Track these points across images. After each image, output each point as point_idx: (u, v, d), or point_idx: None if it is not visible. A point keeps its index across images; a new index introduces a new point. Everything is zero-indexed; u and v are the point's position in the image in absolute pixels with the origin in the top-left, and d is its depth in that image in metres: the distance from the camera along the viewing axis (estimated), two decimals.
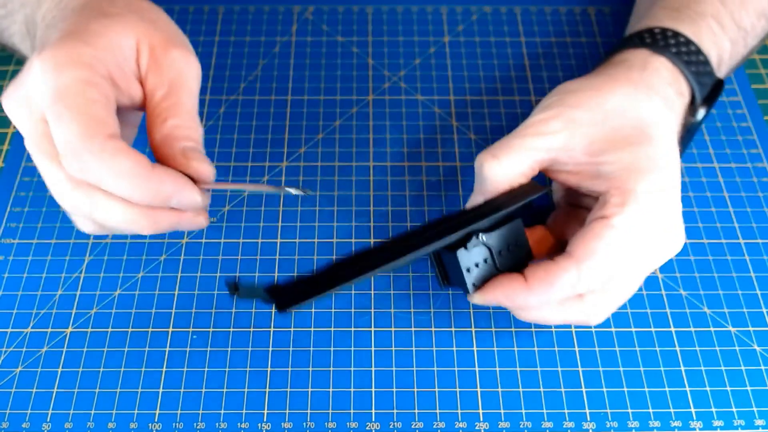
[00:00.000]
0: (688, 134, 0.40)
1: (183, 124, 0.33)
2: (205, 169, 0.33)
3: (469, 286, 0.36)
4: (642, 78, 0.38)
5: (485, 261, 0.36)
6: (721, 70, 0.41)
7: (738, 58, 0.44)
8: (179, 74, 0.34)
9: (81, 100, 0.30)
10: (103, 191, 0.31)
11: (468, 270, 0.36)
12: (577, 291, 0.35)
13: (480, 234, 0.35)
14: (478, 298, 0.36)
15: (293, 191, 0.35)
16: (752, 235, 0.44)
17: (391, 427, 0.37)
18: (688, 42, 0.39)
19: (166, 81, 0.34)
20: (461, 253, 0.35)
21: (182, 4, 0.56)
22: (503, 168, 0.36)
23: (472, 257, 0.35)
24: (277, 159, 0.47)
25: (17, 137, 0.48)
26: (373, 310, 0.41)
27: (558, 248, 0.39)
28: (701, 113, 0.39)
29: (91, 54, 0.32)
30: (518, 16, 0.56)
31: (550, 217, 0.41)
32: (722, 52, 0.41)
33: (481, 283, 0.36)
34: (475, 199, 0.38)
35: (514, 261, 0.37)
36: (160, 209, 0.33)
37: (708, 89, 0.39)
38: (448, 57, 0.53)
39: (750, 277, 0.42)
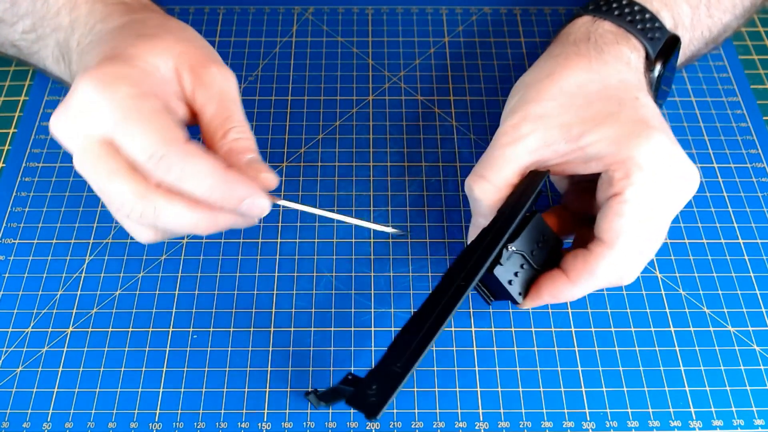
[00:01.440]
0: (655, 91, 0.40)
1: (242, 135, 0.34)
2: (273, 180, 0.34)
3: (516, 296, 0.36)
4: (589, 47, 0.38)
5: (522, 267, 0.36)
6: (680, 33, 0.41)
7: (705, 30, 0.44)
8: (223, 89, 0.35)
9: (148, 111, 0.31)
10: (167, 198, 0.31)
11: (510, 282, 0.36)
12: (619, 272, 0.35)
13: (509, 245, 0.35)
14: (528, 304, 0.37)
15: (384, 228, 0.36)
16: (751, 235, 0.44)
17: (391, 427, 0.37)
18: (632, 3, 0.40)
19: (214, 97, 0.35)
20: (499, 271, 0.35)
21: (183, 4, 0.56)
22: (493, 185, 0.36)
23: (510, 269, 0.36)
24: (277, 159, 0.47)
25: (18, 137, 0.48)
26: (373, 310, 0.41)
27: (577, 221, 0.39)
28: (657, 69, 0.39)
29: (137, 74, 0.33)
30: (518, 16, 0.56)
31: (562, 197, 0.42)
32: (678, 14, 0.41)
33: (526, 287, 0.37)
34: (477, 222, 0.38)
35: (548, 254, 0.37)
36: (219, 210, 0.32)
37: (661, 44, 0.39)
38: (448, 57, 0.53)
39: (749, 276, 0.43)
